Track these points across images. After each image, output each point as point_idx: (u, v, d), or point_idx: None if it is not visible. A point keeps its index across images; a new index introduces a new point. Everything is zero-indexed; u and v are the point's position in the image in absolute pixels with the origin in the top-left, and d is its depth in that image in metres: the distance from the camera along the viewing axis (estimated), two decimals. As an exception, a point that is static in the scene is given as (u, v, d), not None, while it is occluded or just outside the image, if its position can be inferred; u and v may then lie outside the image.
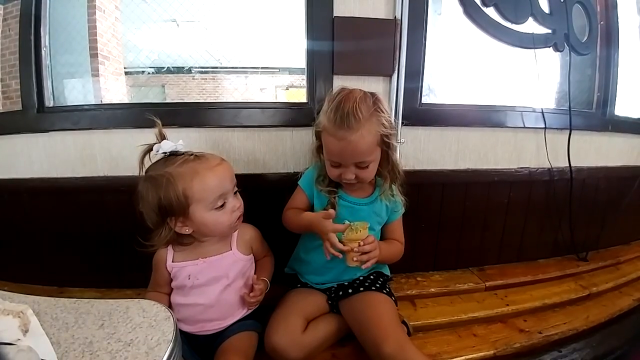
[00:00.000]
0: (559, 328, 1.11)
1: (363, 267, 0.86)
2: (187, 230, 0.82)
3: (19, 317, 0.53)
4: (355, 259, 0.85)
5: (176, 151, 0.82)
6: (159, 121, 0.82)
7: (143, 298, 0.89)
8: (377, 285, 0.99)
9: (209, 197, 0.79)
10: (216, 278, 0.87)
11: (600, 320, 1.18)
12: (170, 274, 0.88)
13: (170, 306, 0.90)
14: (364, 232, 0.85)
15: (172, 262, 0.87)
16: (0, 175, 1.19)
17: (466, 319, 1.12)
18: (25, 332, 0.51)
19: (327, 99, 0.91)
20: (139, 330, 0.47)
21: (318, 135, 0.94)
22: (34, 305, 0.57)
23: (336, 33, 1.09)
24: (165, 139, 0.82)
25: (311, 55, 1.13)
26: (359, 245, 0.85)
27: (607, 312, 1.22)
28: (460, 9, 1.23)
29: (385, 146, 0.91)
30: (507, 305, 1.18)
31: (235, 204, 0.85)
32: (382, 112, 0.88)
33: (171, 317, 0.48)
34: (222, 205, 0.82)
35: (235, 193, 0.87)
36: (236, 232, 0.92)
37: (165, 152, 0.81)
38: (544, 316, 1.18)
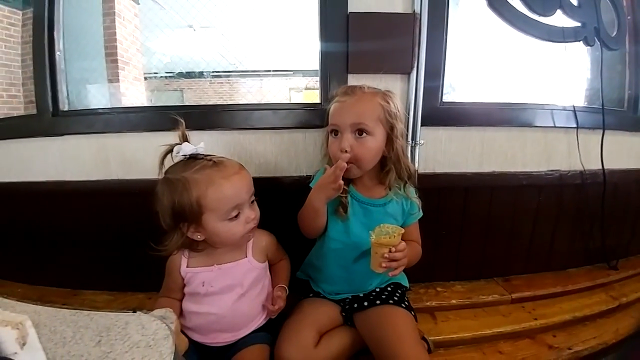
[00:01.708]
0: (589, 343, 1.04)
1: (390, 274, 0.82)
2: (199, 237, 0.80)
3: (18, 328, 0.50)
4: (384, 265, 0.80)
5: (197, 154, 0.80)
6: (182, 121, 0.81)
7: (155, 302, 0.89)
8: (395, 299, 0.93)
9: (223, 207, 0.76)
10: (230, 286, 0.84)
11: (629, 333, 1.11)
12: (184, 279, 0.86)
13: (182, 313, 0.87)
14: (397, 238, 0.80)
15: (187, 267, 0.85)
16: (16, 179, 1.21)
17: (491, 335, 1.05)
18: (23, 344, 0.48)
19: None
20: (136, 350, 0.44)
21: (326, 120, 0.93)
22: (34, 315, 0.54)
23: (351, 29, 1.04)
24: (187, 140, 0.80)
25: (325, 53, 1.09)
26: (390, 252, 0.79)
27: (636, 324, 1.14)
28: (484, 1, 1.16)
29: (389, 129, 0.89)
30: (536, 319, 1.10)
31: (250, 215, 0.81)
32: (390, 99, 0.90)
33: (170, 337, 0.44)
34: (236, 216, 0.79)
35: (252, 202, 0.84)
36: (251, 240, 0.89)
37: (185, 155, 0.79)
38: (574, 330, 1.10)
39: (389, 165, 0.92)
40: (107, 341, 0.46)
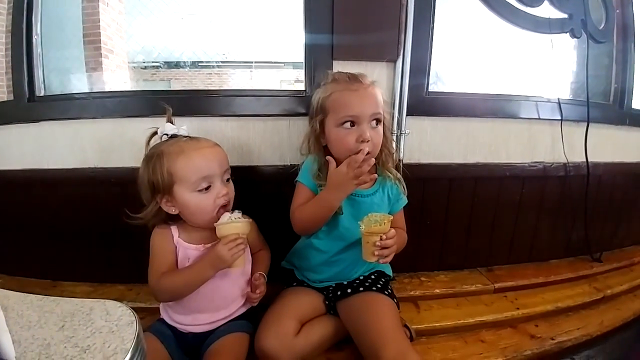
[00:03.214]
0: (572, 334, 1.05)
1: (382, 261, 0.82)
2: (173, 210, 0.81)
3: None
4: (376, 253, 0.80)
5: (176, 134, 0.84)
6: (169, 108, 0.87)
7: (156, 282, 0.83)
8: (378, 286, 0.93)
9: (191, 176, 0.78)
10: None
11: (614, 325, 1.13)
12: (176, 250, 0.84)
13: None
14: (387, 225, 0.80)
15: (178, 237, 0.84)
16: (-8, 167, 1.16)
17: (473, 323, 1.05)
18: None
19: (323, 82, 0.92)
20: (98, 335, 0.43)
21: (321, 110, 0.88)
22: (2, 299, 0.54)
23: (336, 14, 1.02)
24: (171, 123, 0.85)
25: (309, 38, 1.07)
26: (381, 239, 0.79)
27: (621, 317, 1.16)
28: (471, -10, 1.16)
29: (384, 117, 0.90)
30: (518, 308, 1.11)
31: (222, 190, 0.81)
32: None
33: (134, 323, 0.43)
34: (206, 189, 0.79)
35: (227, 180, 0.85)
36: None
37: (167, 134, 0.83)
38: (557, 321, 1.12)
39: (384, 150, 0.93)
40: (71, 326, 0.46)
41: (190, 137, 0.84)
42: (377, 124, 0.86)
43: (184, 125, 0.85)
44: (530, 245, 1.36)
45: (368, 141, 0.83)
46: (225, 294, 0.87)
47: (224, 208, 0.82)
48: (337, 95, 0.86)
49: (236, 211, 0.80)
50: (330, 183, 0.83)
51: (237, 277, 0.87)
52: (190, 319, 0.85)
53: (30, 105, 1.15)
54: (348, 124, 0.84)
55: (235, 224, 0.77)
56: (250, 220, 0.81)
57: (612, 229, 1.48)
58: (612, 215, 1.46)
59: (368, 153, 0.81)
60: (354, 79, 0.87)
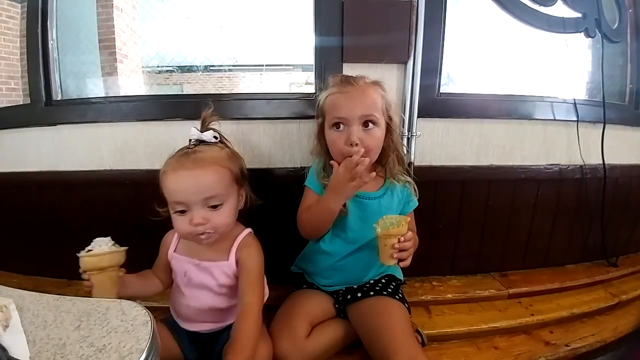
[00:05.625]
0: (587, 340, 1.03)
1: (401, 264, 0.81)
2: None
3: (2, 311, 0.51)
4: (395, 255, 0.78)
5: (198, 140, 0.81)
6: (210, 111, 0.84)
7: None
8: (389, 290, 0.92)
9: (168, 198, 0.76)
10: (206, 285, 0.81)
11: (628, 331, 1.09)
12: (170, 262, 0.84)
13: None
14: (404, 226, 0.78)
15: (174, 251, 0.84)
16: (10, 169, 1.20)
17: (486, 329, 1.03)
18: (6, 327, 0.49)
19: (325, 85, 0.92)
20: (114, 335, 0.43)
21: (320, 113, 0.90)
22: (18, 299, 0.55)
23: (346, 16, 1.02)
24: (205, 124, 0.83)
25: (319, 41, 1.07)
26: (399, 242, 0.77)
27: (635, 322, 1.13)
28: (483, -10, 1.14)
29: (388, 119, 0.89)
30: (532, 315, 1.08)
31: (198, 219, 0.73)
32: (384, 89, 0.90)
33: (149, 322, 0.44)
34: (182, 212, 0.75)
35: (215, 207, 0.75)
36: (238, 243, 0.82)
37: (193, 138, 0.81)
38: (572, 327, 1.09)
39: (392, 155, 0.92)
40: (87, 326, 0.47)
41: (196, 150, 0.77)
42: (367, 126, 0.83)
43: (209, 132, 0.81)
44: (546, 249, 1.32)
45: (357, 144, 0.81)
46: (224, 308, 0.83)
47: (203, 235, 0.75)
48: (330, 97, 0.87)
49: (99, 240, 0.74)
50: (330, 186, 0.82)
51: (233, 296, 0.82)
52: (197, 326, 0.84)
53: (47, 109, 1.17)
54: (336, 127, 0.85)
55: (82, 258, 0.71)
56: (100, 254, 0.72)
57: (628, 232, 1.43)
58: (628, 219, 1.42)
59: (364, 156, 0.78)
60: (346, 81, 0.87)
